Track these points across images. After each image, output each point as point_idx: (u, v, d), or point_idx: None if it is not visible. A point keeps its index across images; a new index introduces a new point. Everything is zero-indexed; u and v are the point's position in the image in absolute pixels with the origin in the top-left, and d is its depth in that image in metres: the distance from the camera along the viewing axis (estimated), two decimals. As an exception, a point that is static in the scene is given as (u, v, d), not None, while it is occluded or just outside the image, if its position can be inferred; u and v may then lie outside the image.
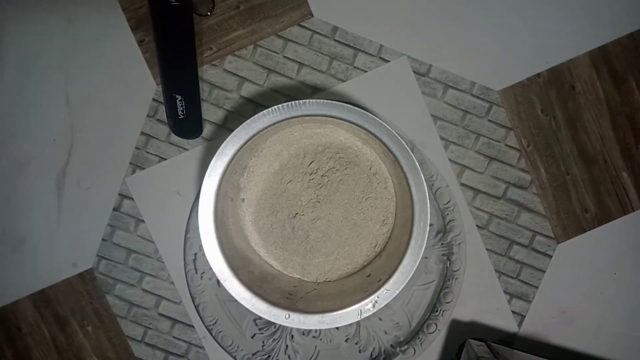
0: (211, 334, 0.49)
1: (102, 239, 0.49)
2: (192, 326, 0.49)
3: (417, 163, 0.42)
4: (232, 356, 0.49)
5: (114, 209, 0.49)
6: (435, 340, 0.49)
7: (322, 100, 0.42)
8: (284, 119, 0.42)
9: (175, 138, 0.49)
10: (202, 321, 0.49)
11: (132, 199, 0.49)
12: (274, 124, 0.43)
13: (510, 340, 0.49)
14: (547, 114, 0.49)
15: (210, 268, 0.43)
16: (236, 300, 0.43)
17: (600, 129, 0.49)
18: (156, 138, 0.49)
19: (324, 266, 0.47)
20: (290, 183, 0.47)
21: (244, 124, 0.42)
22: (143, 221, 0.49)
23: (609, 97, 0.49)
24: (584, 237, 0.49)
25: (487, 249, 0.49)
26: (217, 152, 0.42)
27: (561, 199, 0.49)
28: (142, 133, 0.49)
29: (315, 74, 0.49)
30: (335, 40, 0.49)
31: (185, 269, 0.49)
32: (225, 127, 0.49)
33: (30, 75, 0.49)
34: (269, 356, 0.48)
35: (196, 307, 0.49)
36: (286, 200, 0.47)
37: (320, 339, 0.48)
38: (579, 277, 0.49)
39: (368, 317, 0.44)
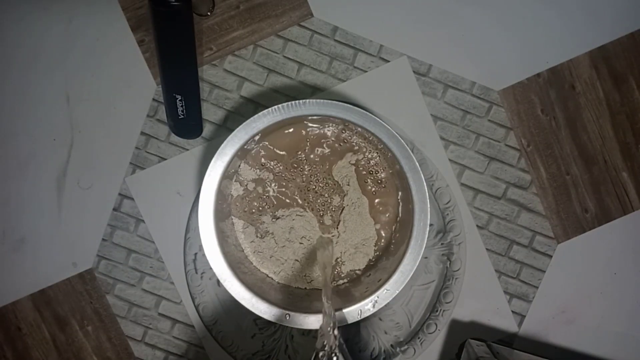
0: (211, 334, 0.49)
1: (102, 239, 0.49)
2: (192, 326, 0.49)
3: (417, 163, 0.42)
4: (232, 356, 0.49)
5: (114, 209, 0.49)
6: (435, 340, 0.49)
7: (322, 100, 0.42)
8: (284, 119, 0.42)
9: (175, 138, 0.49)
10: (202, 321, 0.49)
11: (132, 199, 0.49)
12: (274, 124, 0.43)
13: (510, 340, 0.49)
14: (547, 114, 0.49)
15: (210, 268, 0.43)
16: (236, 300, 0.43)
17: (600, 128, 0.49)
18: (156, 138, 0.49)
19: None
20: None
21: (243, 124, 0.42)
22: (143, 221, 0.49)
23: (609, 97, 0.49)
24: (584, 237, 0.49)
25: (487, 249, 0.49)
26: (217, 152, 0.42)
27: (561, 199, 0.49)
28: (142, 133, 0.49)
29: (315, 74, 0.49)
30: (335, 40, 0.49)
31: (185, 269, 0.49)
32: (225, 127, 0.49)
33: (30, 75, 0.49)
34: (269, 356, 0.48)
35: (196, 307, 0.49)
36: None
37: (320, 339, 0.48)
38: (579, 277, 0.49)
39: (368, 317, 0.44)
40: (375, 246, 0.47)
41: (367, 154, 0.46)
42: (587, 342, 0.49)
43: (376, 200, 0.47)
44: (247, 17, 0.49)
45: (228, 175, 0.44)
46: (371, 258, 0.47)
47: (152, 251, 0.49)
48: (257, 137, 0.44)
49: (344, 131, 0.46)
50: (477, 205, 0.49)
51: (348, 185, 0.46)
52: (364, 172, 0.47)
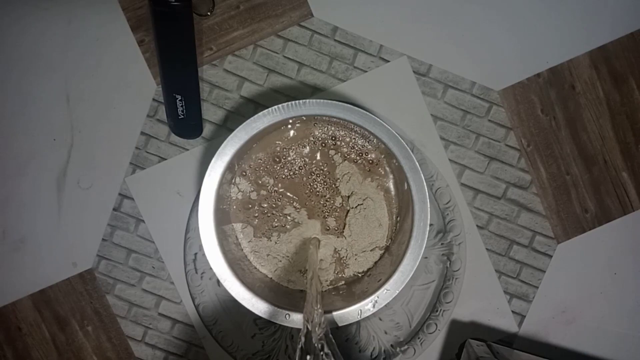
0: (211, 334, 0.49)
1: (102, 239, 0.49)
2: (192, 326, 0.49)
3: (417, 163, 0.42)
4: (232, 356, 0.49)
5: (114, 209, 0.49)
6: (435, 340, 0.49)
7: (322, 100, 0.42)
8: (284, 119, 0.42)
9: (175, 138, 0.49)
10: (202, 321, 0.49)
11: (132, 199, 0.49)
12: (274, 123, 0.43)
13: (510, 340, 0.49)
14: (547, 114, 0.49)
15: (210, 268, 0.43)
16: (236, 300, 0.43)
17: (600, 128, 0.49)
18: (156, 138, 0.49)
19: (322, 266, 0.47)
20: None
21: (244, 124, 0.42)
22: (143, 221, 0.49)
23: (609, 97, 0.49)
24: (584, 237, 0.49)
25: (487, 249, 0.49)
26: (217, 152, 0.42)
27: (561, 199, 0.49)
28: (142, 133, 0.49)
29: (315, 74, 0.49)
30: (335, 40, 0.49)
31: (185, 269, 0.49)
32: (225, 127, 0.49)
33: (30, 75, 0.49)
34: (269, 356, 0.48)
35: (196, 307, 0.49)
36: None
37: (320, 339, 0.48)
38: (579, 277, 0.49)
39: (368, 317, 0.44)
40: (375, 246, 0.47)
41: (365, 154, 0.46)
42: (587, 342, 0.49)
43: (376, 201, 0.47)
44: (247, 17, 0.49)
45: (227, 180, 0.44)
46: (376, 260, 0.47)
47: (152, 251, 0.49)
48: (242, 160, 0.44)
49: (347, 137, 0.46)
50: (477, 205, 0.49)
51: (348, 182, 0.46)
52: (364, 172, 0.47)
